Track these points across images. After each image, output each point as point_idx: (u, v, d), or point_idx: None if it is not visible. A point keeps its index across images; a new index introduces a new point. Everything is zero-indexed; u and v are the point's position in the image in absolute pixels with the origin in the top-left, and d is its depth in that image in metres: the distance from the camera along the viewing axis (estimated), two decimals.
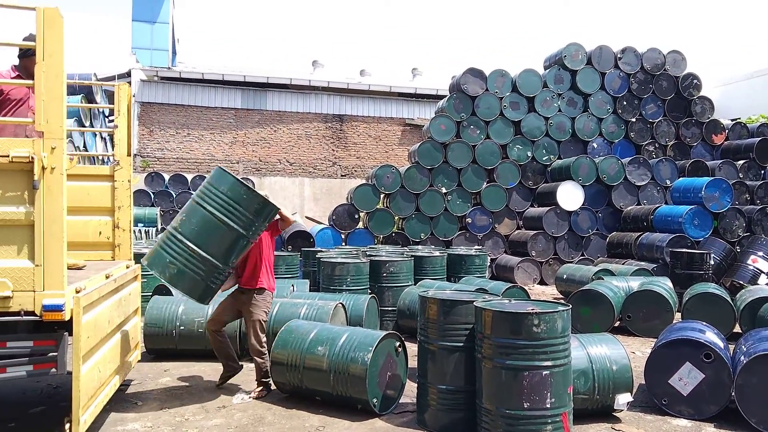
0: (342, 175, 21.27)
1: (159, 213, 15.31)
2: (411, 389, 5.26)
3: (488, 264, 11.68)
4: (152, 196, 16.26)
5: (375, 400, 4.94)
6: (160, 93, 20.29)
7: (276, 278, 9.00)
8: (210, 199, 4.91)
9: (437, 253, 9.95)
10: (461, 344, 4.52)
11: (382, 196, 13.88)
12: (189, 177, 17.71)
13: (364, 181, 15.49)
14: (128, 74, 20.32)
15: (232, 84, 20.84)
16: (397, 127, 21.99)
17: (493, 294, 6.60)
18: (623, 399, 4.88)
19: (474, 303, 4.49)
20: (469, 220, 13.96)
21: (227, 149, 20.38)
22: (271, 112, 20.85)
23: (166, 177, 17.35)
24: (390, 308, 8.28)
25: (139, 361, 5.76)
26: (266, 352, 5.46)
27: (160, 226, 15.05)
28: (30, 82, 3.94)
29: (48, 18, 3.59)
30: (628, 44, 14.98)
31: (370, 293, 7.93)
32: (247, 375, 5.80)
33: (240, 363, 5.73)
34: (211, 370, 6.13)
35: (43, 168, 3.59)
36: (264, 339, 5.49)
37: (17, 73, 4.88)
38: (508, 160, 14.30)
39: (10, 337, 3.69)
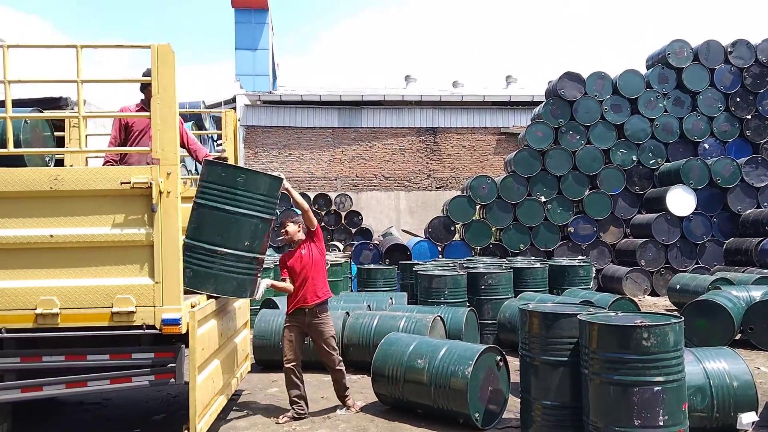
0: (437, 188, 21.29)
1: None
2: (514, 404, 5.15)
3: (593, 275, 11.21)
4: None
5: (477, 415, 4.88)
6: (263, 116, 21.32)
7: (374, 291, 9.20)
8: (209, 196, 4.42)
9: (538, 265, 9.69)
10: (566, 359, 4.36)
11: (478, 207, 13.74)
12: None
13: (459, 193, 15.41)
14: (233, 100, 21.54)
15: (329, 104, 21.52)
16: (491, 137, 21.73)
17: (598, 306, 6.33)
18: (747, 418, 4.50)
19: (578, 316, 4.34)
20: (571, 229, 13.49)
21: (326, 167, 21.02)
22: (366, 129, 21.30)
23: None
24: (490, 321, 8.16)
25: (249, 372, 6.05)
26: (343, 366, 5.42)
27: None
28: (148, 114, 4.31)
29: (161, 54, 3.91)
30: (738, 37, 13.95)
31: (468, 306, 7.86)
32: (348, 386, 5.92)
33: (306, 412, 5.32)
34: (316, 381, 6.32)
35: (160, 192, 3.90)
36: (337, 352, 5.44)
37: (140, 107, 5.34)
38: (612, 165, 13.70)
39: (134, 349, 4.01)
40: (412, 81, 27.05)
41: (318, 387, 6.19)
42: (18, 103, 6.36)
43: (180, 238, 3.97)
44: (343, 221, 18.15)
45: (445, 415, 5.01)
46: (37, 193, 3.89)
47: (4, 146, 4.40)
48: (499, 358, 5.16)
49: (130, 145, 5.21)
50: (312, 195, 18.67)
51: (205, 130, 14.77)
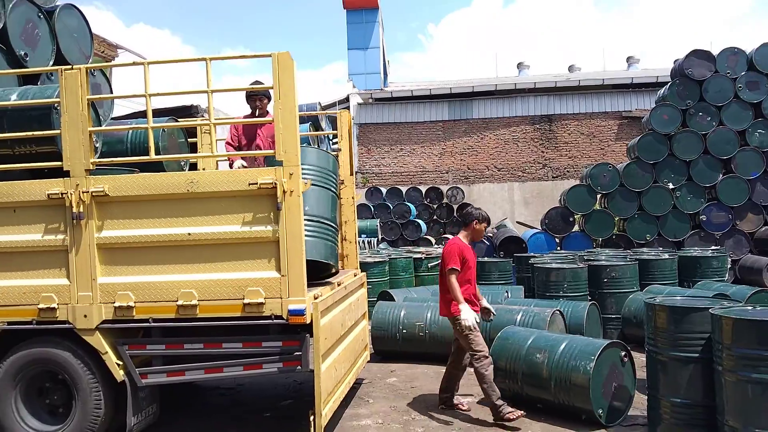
0: (553, 177, 20.62)
1: (379, 224, 16.37)
2: (640, 401, 4.93)
3: (729, 266, 10.35)
4: (372, 208, 17.47)
5: (600, 411, 4.73)
6: (375, 113, 21.76)
7: (489, 284, 9.11)
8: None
9: (666, 256, 9.12)
10: (697, 355, 4.11)
11: (598, 196, 13.14)
12: (404, 189, 18.67)
13: (577, 182, 14.83)
14: (347, 99, 22.18)
15: (439, 97, 21.54)
16: (612, 122, 20.68)
17: (734, 300, 5.87)
18: None
19: (710, 310, 4.06)
20: (703, 217, 12.52)
21: (437, 160, 21.07)
22: (477, 120, 21.08)
23: (384, 191, 18.50)
24: (613, 316, 7.81)
25: (368, 362, 6.26)
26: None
27: (380, 237, 16.10)
28: (269, 119, 4.60)
29: (281, 62, 4.15)
30: None
31: (589, 300, 7.58)
32: (468, 378, 5.94)
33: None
34: (433, 373, 6.41)
35: (284, 191, 4.14)
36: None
37: (249, 116, 5.69)
38: (749, 148, 12.53)
39: (264, 338, 4.30)
40: (524, 68, 26.34)
41: (435, 378, 6.27)
42: (155, 113, 7.02)
43: (303, 234, 4.20)
44: (455, 214, 18.12)
45: (566, 410, 4.90)
46: (175, 195, 4.27)
47: (148, 154, 4.90)
48: (623, 353, 4.96)
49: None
50: (424, 189, 18.81)
51: (322, 130, 15.34)
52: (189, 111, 10.17)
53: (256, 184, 4.16)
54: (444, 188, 18.93)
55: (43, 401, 4.59)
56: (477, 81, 22.96)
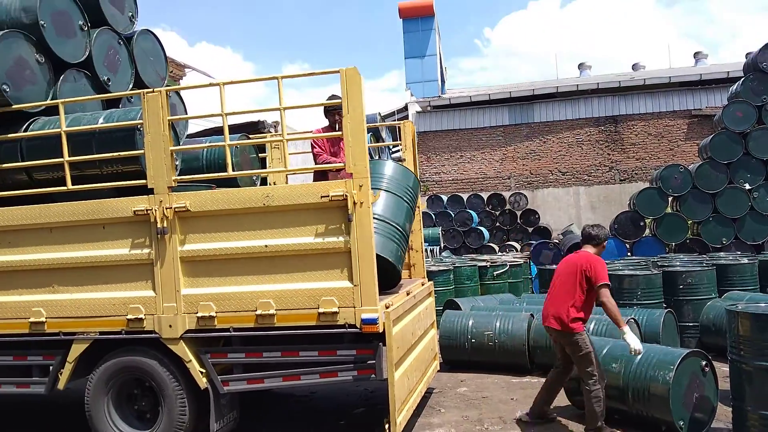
0: (621, 180, 20.03)
1: (441, 232, 16.35)
2: (723, 413, 4.74)
3: None
4: (434, 217, 17.46)
5: (681, 423, 4.57)
6: (434, 121, 21.78)
7: None
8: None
9: (745, 261, 8.70)
10: None
11: (670, 199, 12.69)
12: (464, 196, 18.58)
13: (647, 185, 14.35)
14: (405, 108, 22.31)
15: (499, 102, 21.34)
16: (681, 121, 19.93)
17: None
18: None
19: None
20: None
21: (498, 166, 20.86)
22: (538, 124, 20.76)
23: (444, 198, 18.47)
24: (691, 324, 7.52)
25: (438, 371, 6.27)
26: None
27: (442, 245, 16.06)
28: (338, 133, 4.72)
29: (349, 77, 4.25)
30: None
31: (665, 307, 7.33)
32: (538, 389, 5.86)
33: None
34: (503, 383, 6.36)
35: (354, 203, 4.24)
36: None
37: (325, 130, 5.85)
38: None
39: (339, 347, 4.39)
40: (586, 69, 25.79)
41: (506, 389, 6.23)
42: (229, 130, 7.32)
43: (374, 245, 4.28)
44: (518, 220, 17.87)
45: (645, 421, 4.76)
46: (252, 209, 4.44)
47: (222, 169, 5.12)
48: (704, 362, 4.78)
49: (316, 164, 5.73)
50: (485, 195, 18.65)
51: (383, 141, 15.47)
52: (256, 127, 10.53)
53: (328, 196, 4.27)
54: (506, 194, 18.71)
55: (132, 407, 4.84)
56: (537, 84, 22.64)
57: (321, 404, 6.20)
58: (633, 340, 4.57)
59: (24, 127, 4.97)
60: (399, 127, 6.78)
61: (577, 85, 21.33)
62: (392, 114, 22.82)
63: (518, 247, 16.21)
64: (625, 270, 8.21)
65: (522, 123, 20.92)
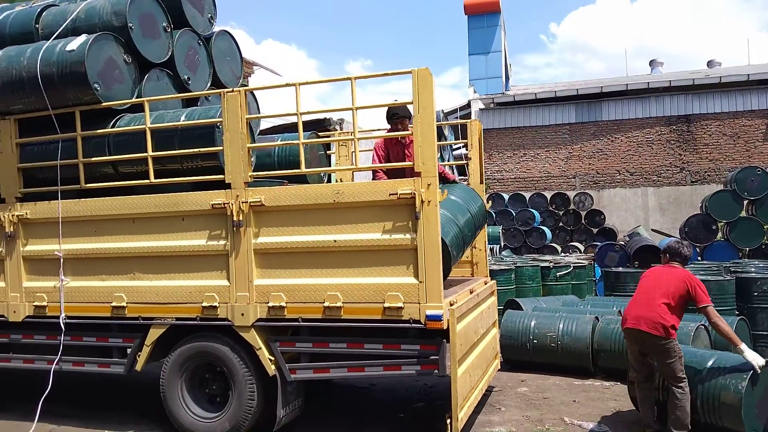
0: (692, 182, 19.25)
1: (501, 231, 16.20)
2: None
3: None
4: (494, 215, 17.32)
5: None
6: (497, 118, 21.54)
7: (624, 296, 8.73)
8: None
9: None
10: None
11: (745, 202, 12.14)
12: (527, 195, 18.32)
13: (721, 187, 13.76)
14: (468, 105, 22.16)
15: (565, 99, 20.89)
16: (759, 121, 18.94)
17: None
18: None
19: None
20: None
21: (563, 165, 20.45)
22: (606, 122, 20.19)
23: (506, 197, 18.28)
24: (765, 333, 7.22)
25: (498, 370, 6.28)
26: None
27: (502, 244, 15.92)
28: (407, 132, 4.81)
29: (421, 77, 4.33)
30: None
31: (737, 315, 7.06)
32: (601, 393, 5.80)
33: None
34: (565, 385, 6.31)
35: (422, 201, 4.31)
36: None
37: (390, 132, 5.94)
38: None
39: (403, 341, 4.49)
40: (657, 66, 24.90)
41: (568, 390, 6.17)
42: (293, 127, 7.54)
43: (440, 243, 4.35)
44: (583, 221, 17.49)
45: (715, 431, 4.64)
46: (323, 205, 4.59)
47: (293, 165, 5.30)
48: None
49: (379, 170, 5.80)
50: (549, 194, 18.33)
51: (445, 139, 15.46)
52: (322, 124, 10.78)
53: (396, 194, 4.37)
54: (571, 194, 18.32)
55: (204, 390, 5.11)
56: (606, 81, 21.99)
57: (381, 396, 6.33)
58: (754, 356, 4.48)
59: (112, 123, 5.29)
60: (464, 126, 6.80)
61: (648, 82, 20.60)
62: (454, 111, 22.72)
63: (582, 248, 15.86)
64: (696, 275, 7.92)
65: (589, 121, 20.39)
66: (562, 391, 6.14)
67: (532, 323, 6.94)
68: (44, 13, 5.78)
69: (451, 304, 4.49)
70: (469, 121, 6.52)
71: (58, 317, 5.25)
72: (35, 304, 5.38)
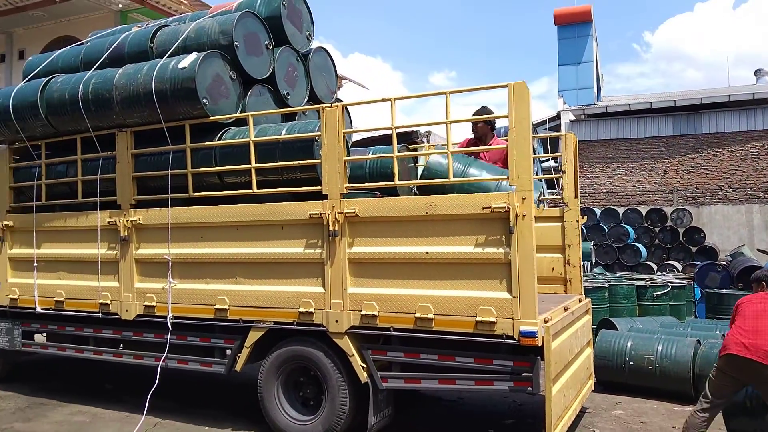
0: None
1: (592, 247, 15.65)
2: None
3: None
4: (585, 230, 16.76)
5: None
6: (588, 130, 20.91)
7: (727, 318, 8.21)
8: None
9: None
10: None
11: None
12: (620, 210, 17.62)
13: None
14: (557, 116, 21.65)
15: (662, 111, 19.97)
16: None
17: None
18: None
19: None
20: None
21: (659, 179, 19.52)
22: (707, 135, 19.11)
23: (598, 212, 17.66)
24: None
25: (592, 391, 6.08)
26: None
27: (594, 260, 15.36)
28: (502, 146, 4.79)
29: (517, 91, 4.32)
30: None
31: None
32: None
33: None
34: (663, 410, 6.02)
35: (516, 215, 4.28)
36: None
37: (471, 142, 5.94)
38: None
39: (495, 356, 4.45)
40: (764, 75, 23.34)
41: (666, 416, 5.88)
42: (384, 140, 7.66)
43: (535, 258, 4.29)
44: (681, 238, 16.58)
45: None
46: (416, 217, 4.65)
47: (384, 177, 5.40)
48: None
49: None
50: (644, 210, 17.54)
51: (534, 152, 15.10)
52: (411, 137, 10.88)
53: (490, 207, 4.36)
54: (668, 210, 17.44)
55: (298, 393, 5.27)
56: (706, 91, 20.86)
57: (469, 411, 6.27)
58: None
59: (218, 136, 5.61)
60: (554, 138, 6.68)
61: (754, 93, 19.33)
62: (543, 123, 22.24)
63: (679, 267, 15.04)
64: None
65: (688, 134, 19.36)
66: (660, 417, 5.86)
67: (629, 344, 6.67)
68: (158, 33, 6.24)
69: (546, 321, 4.41)
70: (564, 133, 6.40)
71: (165, 317, 5.60)
72: (145, 303, 5.76)
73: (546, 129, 21.36)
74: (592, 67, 23.53)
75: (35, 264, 6.44)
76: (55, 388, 6.98)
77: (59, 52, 6.91)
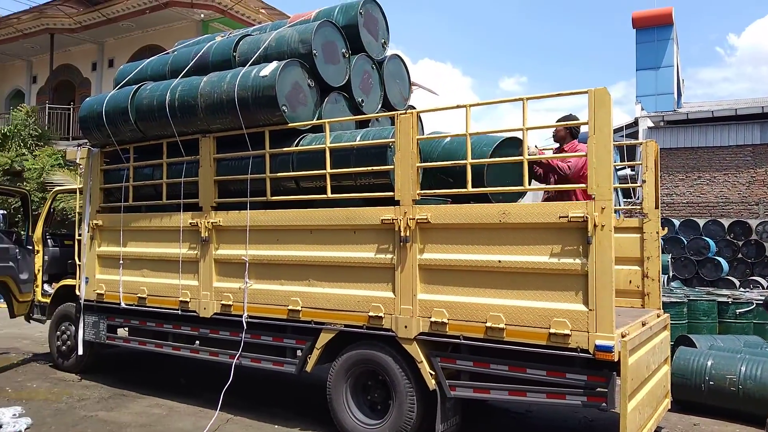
0: None
1: (670, 260, 14.99)
2: None
3: None
4: (663, 242, 16.07)
5: None
6: (667, 138, 20.06)
7: None
8: None
9: None
10: None
11: None
12: (701, 222, 16.80)
13: None
14: (635, 123, 20.90)
15: (748, 118, 18.92)
16: None
17: None
18: None
19: None
20: None
21: (744, 190, 18.47)
22: None
23: (676, 223, 16.90)
24: None
25: (668, 410, 5.83)
26: None
27: (671, 274, 14.71)
28: (580, 153, 4.68)
29: (598, 97, 4.21)
30: None
31: None
32: None
33: None
34: None
35: (595, 225, 4.17)
36: None
37: (557, 148, 5.82)
38: None
39: (569, 369, 4.35)
40: None
41: None
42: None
43: (613, 270, 4.16)
44: (766, 253, 15.63)
45: None
46: (488, 224, 4.61)
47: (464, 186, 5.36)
48: None
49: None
50: (726, 223, 16.66)
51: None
52: None
53: (567, 217, 4.27)
54: (753, 223, 16.48)
55: (366, 397, 5.32)
56: None
57: (537, 424, 6.15)
58: None
59: (295, 142, 5.76)
60: (629, 146, 6.45)
61: None
62: (620, 129, 21.52)
63: (765, 283, 14.19)
64: None
65: None
66: None
67: (709, 363, 6.34)
68: (241, 42, 6.48)
69: (623, 336, 4.26)
70: (645, 141, 6.18)
71: (241, 316, 5.79)
72: (222, 302, 5.98)
73: (623, 136, 20.67)
74: (673, 71, 22.63)
75: (121, 261, 6.80)
76: (134, 380, 7.35)
77: (148, 60, 7.31)
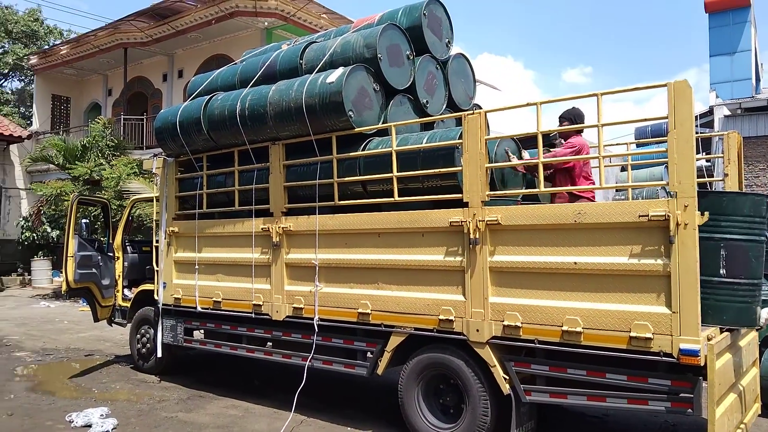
0: None
1: None
2: None
3: None
4: None
5: None
6: (746, 126, 18.98)
7: None
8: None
9: None
10: None
11: None
12: None
13: None
14: (710, 111, 19.89)
15: None
16: None
17: None
18: None
19: None
20: None
21: None
22: None
23: None
24: None
25: (758, 416, 5.50)
26: None
27: None
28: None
29: (678, 90, 4.03)
30: None
31: None
32: None
33: None
34: None
35: (677, 224, 3.99)
36: None
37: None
38: None
39: (650, 374, 4.18)
40: None
41: None
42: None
43: (697, 270, 3.97)
44: None
45: None
46: (563, 225, 4.49)
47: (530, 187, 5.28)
48: None
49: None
50: None
51: None
52: (549, 140, 10.51)
53: (647, 216, 4.10)
54: None
55: (438, 400, 5.29)
56: None
57: (615, 428, 5.95)
58: None
59: (362, 146, 5.80)
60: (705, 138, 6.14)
61: None
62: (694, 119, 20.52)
63: None
64: None
65: None
66: None
67: None
68: (307, 50, 6.58)
69: (709, 339, 4.07)
70: (726, 132, 5.88)
71: (312, 319, 5.88)
72: (294, 305, 6.09)
73: (696, 126, 19.72)
74: (750, 56, 21.34)
75: (196, 267, 7.04)
76: (210, 381, 7.59)
77: (218, 71, 7.53)
